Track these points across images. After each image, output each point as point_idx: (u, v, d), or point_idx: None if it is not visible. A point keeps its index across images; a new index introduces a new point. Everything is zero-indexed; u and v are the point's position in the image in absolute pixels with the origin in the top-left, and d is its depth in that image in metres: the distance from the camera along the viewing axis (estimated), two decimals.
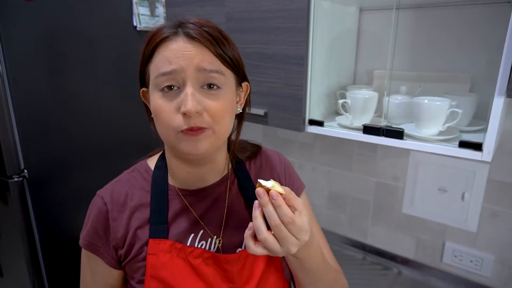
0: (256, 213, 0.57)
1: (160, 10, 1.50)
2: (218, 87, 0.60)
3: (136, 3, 1.41)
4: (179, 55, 0.58)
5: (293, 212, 0.55)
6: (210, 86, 0.59)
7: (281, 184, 0.77)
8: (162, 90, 0.59)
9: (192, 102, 0.56)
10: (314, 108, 1.11)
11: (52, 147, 1.24)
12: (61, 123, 1.25)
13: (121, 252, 0.67)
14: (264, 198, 0.55)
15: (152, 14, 1.48)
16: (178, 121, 0.58)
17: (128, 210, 0.68)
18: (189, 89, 0.57)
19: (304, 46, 1.01)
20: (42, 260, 1.25)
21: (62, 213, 1.28)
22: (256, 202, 0.57)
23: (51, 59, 1.20)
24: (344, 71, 1.27)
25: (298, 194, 0.80)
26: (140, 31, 1.44)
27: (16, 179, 1.16)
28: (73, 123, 1.29)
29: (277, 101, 1.11)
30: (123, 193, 0.69)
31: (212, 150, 0.64)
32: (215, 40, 0.59)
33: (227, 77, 0.62)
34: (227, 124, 0.63)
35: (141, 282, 0.66)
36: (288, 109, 1.09)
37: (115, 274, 0.71)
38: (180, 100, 0.58)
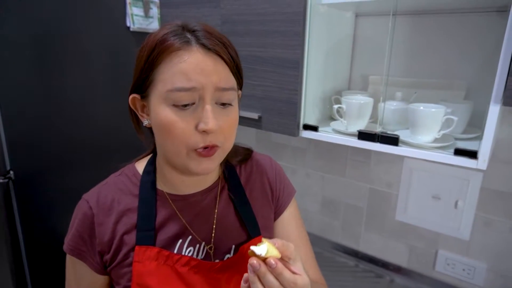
0: (254, 279, 0.52)
1: (154, 11, 1.48)
2: (231, 105, 0.60)
3: (129, 3, 1.39)
4: (198, 70, 0.55)
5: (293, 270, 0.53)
6: (224, 104, 0.59)
7: (271, 189, 0.77)
8: (176, 105, 0.56)
9: (214, 120, 0.56)
10: (309, 113, 1.10)
11: (39, 148, 1.21)
12: (49, 124, 1.22)
13: (107, 257, 0.65)
14: (261, 269, 0.51)
15: (146, 15, 1.46)
16: (195, 139, 0.57)
17: (115, 214, 0.66)
18: (208, 106, 0.56)
19: (300, 50, 1.00)
20: (26, 264, 1.21)
21: (48, 216, 1.25)
22: (251, 264, 0.51)
23: (41, 58, 1.18)
24: (339, 76, 1.26)
25: (290, 198, 0.80)
26: (133, 32, 1.42)
27: (1, 181, 1.12)
28: (61, 124, 1.26)
29: (272, 105, 1.10)
30: (110, 197, 0.67)
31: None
32: (227, 49, 0.58)
33: (236, 91, 0.61)
34: (234, 139, 0.64)
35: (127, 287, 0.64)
36: (283, 113, 1.08)
37: (100, 280, 0.69)
38: (198, 117, 0.56)
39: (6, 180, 1.13)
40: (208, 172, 0.61)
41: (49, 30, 1.18)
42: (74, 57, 1.26)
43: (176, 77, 0.55)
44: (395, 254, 1.34)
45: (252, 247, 0.51)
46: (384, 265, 1.36)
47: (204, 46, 0.56)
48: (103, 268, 0.67)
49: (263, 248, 0.51)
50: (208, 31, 0.58)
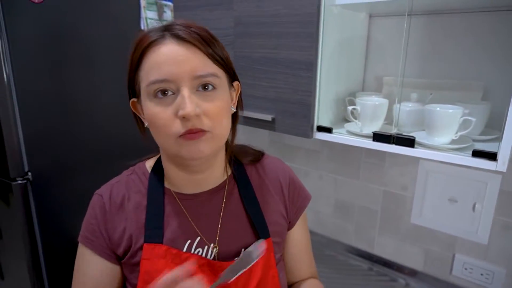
0: None
1: (168, 14, 1.50)
2: (214, 88, 0.59)
3: (144, 7, 1.40)
4: (170, 61, 0.56)
5: None
6: (205, 87, 0.58)
7: (283, 195, 0.75)
8: (155, 96, 0.57)
9: (191, 104, 0.55)
10: (322, 115, 1.09)
11: (57, 150, 1.23)
12: (66, 126, 1.25)
13: (118, 252, 0.66)
14: None
15: (160, 18, 1.48)
16: (177, 126, 0.57)
17: (125, 212, 0.67)
18: (185, 92, 0.56)
19: (314, 51, 1.00)
20: (43, 263, 1.24)
21: (65, 217, 1.27)
22: None
23: (58, 62, 1.20)
24: (353, 78, 1.25)
25: (304, 207, 0.79)
26: None
27: (19, 182, 1.15)
28: (78, 126, 1.28)
29: (285, 107, 1.10)
30: (121, 195, 0.68)
31: (213, 153, 0.63)
32: (204, 40, 0.58)
33: (221, 78, 0.61)
34: (226, 125, 0.63)
35: (135, 285, 0.65)
36: (296, 115, 1.07)
37: (109, 267, 0.67)
38: (177, 105, 0.56)
39: (24, 181, 1.15)
40: (201, 155, 0.59)
41: (65, 33, 1.20)
42: (89, 59, 1.28)
43: (151, 71, 0.57)
44: (410, 258, 1.32)
45: None
46: (399, 268, 1.34)
47: (177, 36, 0.57)
48: (115, 257, 0.67)
49: None
50: (186, 25, 0.58)
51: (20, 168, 1.15)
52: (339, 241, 1.49)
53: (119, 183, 0.70)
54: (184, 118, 0.56)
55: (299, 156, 1.54)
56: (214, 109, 0.59)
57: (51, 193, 1.23)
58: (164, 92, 0.57)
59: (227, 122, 0.63)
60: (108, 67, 1.34)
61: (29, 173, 1.16)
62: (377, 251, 1.40)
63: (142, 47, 0.58)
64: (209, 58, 0.59)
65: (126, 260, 0.66)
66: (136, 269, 0.65)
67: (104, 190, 0.70)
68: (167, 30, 0.58)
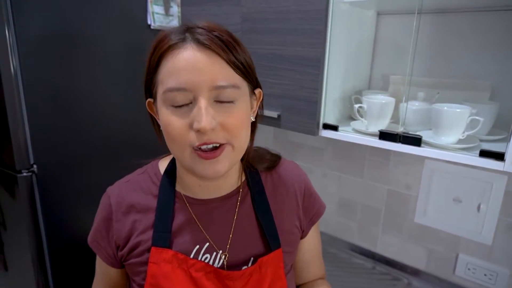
0: None
1: (175, 9, 1.49)
2: (232, 102, 0.56)
3: (150, 2, 1.40)
4: (190, 69, 0.53)
5: None
6: (223, 100, 0.56)
7: (298, 203, 0.73)
8: (171, 104, 0.55)
9: (206, 118, 0.52)
10: (328, 112, 1.09)
11: (62, 143, 1.23)
12: (72, 120, 1.25)
13: (122, 252, 0.67)
14: None
15: (167, 13, 1.47)
16: (191, 138, 0.54)
17: (134, 213, 0.66)
18: (202, 104, 0.53)
19: (321, 48, 1.00)
20: (47, 255, 1.24)
21: (70, 209, 1.28)
22: None
23: (65, 56, 1.20)
24: (360, 75, 1.25)
25: (318, 217, 0.77)
26: (154, 30, 1.43)
27: (25, 174, 1.15)
28: (84, 120, 1.28)
29: (291, 104, 1.09)
30: (130, 195, 0.67)
31: (231, 167, 0.60)
32: (227, 46, 0.55)
33: (241, 89, 0.57)
34: (245, 137, 0.60)
35: (141, 286, 0.65)
36: (303, 112, 1.07)
37: (115, 272, 0.72)
38: (193, 116, 0.54)
39: (29, 174, 1.16)
40: (218, 175, 0.57)
41: (72, 27, 1.20)
42: (96, 54, 1.28)
43: (169, 77, 0.54)
44: (413, 257, 1.32)
45: None
46: (402, 267, 1.34)
47: (198, 41, 0.54)
48: (117, 262, 0.69)
49: None
50: (209, 28, 0.55)
51: (25, 160, 1.15)
52: (342, 239, 1.49)
53: (129, 183, 0.69)
54: (199, 131, 0.53)
55: (303, 153, 1.54)
56: (232, 122, 0.56)
57: (56, 186, 1.23)
58: (180, 100, 0.54)
59: (246, 134, 0.60)
60: (116, 62, 1.34)
61: (34, 166, 1.16)
62: (380, 249, 1.40)
63: (162, 49, 0.55)
64: (230, 66, 0.55)
65: (131, 260, 0.66)
66: (140, 269, 0.65)
67: (113, 189, 0.69)
68: (189, 32, 0.55)
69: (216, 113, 0.54)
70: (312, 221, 0.76)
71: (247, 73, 0.59)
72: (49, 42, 1.15)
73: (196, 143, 0.54)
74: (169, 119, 0.55)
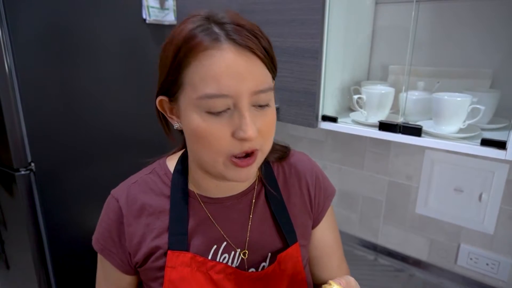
0: None
1: (170, 2, 1.47)
2: (268, 105, 0.55)
3: None
4: (231, 74, 0.50)
5: None
6: (261, 105, 0.54)
7: (310, 197, 0.72)
8: (209, 111, 0.51)
9: (252, 127, 0.51)
10: (327, 104, 1.08)
11: (60, 141, 1.23)
12: (69, 117, 1.24)
13: (137, 259, 0.64)
14: None
15: (162, 6, 1.45)
16: (232, 146, 0.52)
17: (145, 216, 0.63)
18: (246, 112, 0.51)
19: (319, 39, 0.98)
20: (48, 253, 1.24)
21: (69, 207, 1.27)
22: None
23: (59, 52, 1.18)
24: (358, 66, 1.24)
25: (329, 201, 0.75)
26: (149, 24, 1.42)
27: (23, 172, 1.15)
28: (81, 117, 1.27)
29: (290, 96, 1.08)
30: (140, 197, 0.64)
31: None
32: (262, 45, 0.52)
33: (272, 87, 0.56)
34: (272, 139, 0.59)
35: None
36: (301, 104, 1.06)
37: (128, 279, 0.68)
38: (234, 124, 0.51)
39: (27, 172, 1.15)
40: (248, 179, 0.58)
41: (66, 23, 1.19)
42: (91, 49, 1.27)
43: (206, 83, 0.50)
44: (415, 248, 1.32)
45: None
46: (404, 259, 1.34)
47: (235, 41, 0.50)
48: (132, 269, 0.66)
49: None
50: (239, 23, 0.52)
51: (23, 159, 1.14)
52: (343, 232, 1.49)
53: (137, 184, 0.66)
54: (243, 140, 0.52)
55: (303, 146, 1.53)
56: (268, 126, 0.55)
57: (55, 184, 1.23)
58: (220, 107, 0.51)
59: (274, 134, 0.59)
60: (111, 58, 1.33)
61: (32, 164, 1.16)
62: (382, 241, 1.39)
63: (191, 49, 0.51)
64: (267, 68, 0.54)
65: (146, 266, 0.63)
66: (157, 274, 0.62)
67: (120, 192, 0.65)
68: (218, 28, 0.51)
69: (255, 119, 0.53)
70: (323, 208, 0.74)
71: (274, 67, 0.57)
72: (43, 39, 1.14)
73: (236, 151, 0.53)
74: (205, 126, 0.52)
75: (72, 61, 1.22)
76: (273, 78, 0.59)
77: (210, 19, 0.52)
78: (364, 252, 1.40)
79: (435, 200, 1.23)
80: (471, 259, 1.19)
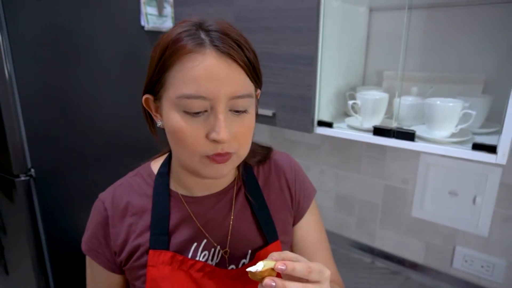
0: None
1: (168, 10, 1.49)
2: (246, 111, 0.57)
3: (144, 2, 1.40)
4: (210, 78, 0.52)
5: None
6: (238, 110, 0.56)
7: (290, 193, 0.74)
8: (186, 111, 0.54)
9: (225, 130, 0.53)
10: (323, 109, 1.09)
11: (59, 146, 1.24)
12: (68, 123, 1.25)
13: (121, 258, 0.66)
14: (278, 282, 0.49)
15: (160, 14, 1.47)
16: (206, 147, 0.55)
17: (129, 216, 0.66)
18: (221, 115, 0.53)
19: (314, 46, 1.00)
20: (47, 259, 1.25)
21: (68, 213, 1.28)
22: (266, 285, 0.50)
23: (59, 58, 1.20)
24: (353, 72, 1.25)
25: (310, 201, 0.77)
26: (147, 31, 1.43)
27: (23, 178, 1.16)
28: (80, 123, 1.28)
29: (286, 102, 1.10)
30: (125, 198, 0.67)
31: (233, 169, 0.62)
32: (243, 51, 0.54)
33: (253, 96, 0.58)
34: (250, 144, 0.61)
35: None
36: (297, 110, 1.08)
37: (116, 278, 0.70)
38: (210, 126, 0.54)
39: (27, 178, 1.16)
40: (220, 177, 0.59)
41: (66, 29, 1.21)
42: (91, 56, 1.28)
43: (186, 84, 0.52)
44: (411, 251, 1.33)
45: (248, 269, 0.51)
46: (400, 261, 1.35)
47: (217, 48, 0.52)
48: (118, 268, 0.68)
49: (258, 264, 0.51)
50: (225, 32, 0.54)
51: (23, 164, 1.15)
52: (340, 235, 1.50)
53: (122, 186, 0.69)
54: (215, 141, 0.54)
55: (299, 151, 1.55)
56: (244, 132, 0.57)
57: (54, 190, 1.24)
58: (197, 108, 0.53)
59: (251, 141, 0.61)
60: (110, 63, 1.35)
61: (32, 170, 1.17)
62: (378, 244, 1.41)
63: (177, 51, 0.53)
64: (247, 75, 0.55)
65: (130, 265, 0.65)
66: (140, 273, 0.64)
67: (106, 194, 0.68)
68: (204, 34, 0.54)
69: (231, 123, 0.55)
70: (303, 208, 0.76)
71: (258, 77, 0.59)
72: (43, 45, 1.15)
73: (210, 152, 0.55)
74: (182, 125, 0.54)
75: (72, 67, 1.24)
76: (258, 87, 0.61)
77: (198, 26, 0.55)
78: (361, 255, 1.41)
79: (431, 204, 1.24)
80: (466, 261, 1.20)
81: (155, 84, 0.57)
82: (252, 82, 0.57)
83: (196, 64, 0.52)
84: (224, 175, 0.59)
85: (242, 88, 0.55)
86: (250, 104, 0.57)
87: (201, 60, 0.52)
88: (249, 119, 0.58)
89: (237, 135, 0.56)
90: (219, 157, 0.56)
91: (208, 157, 0.56)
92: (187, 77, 0.52)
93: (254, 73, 0.57)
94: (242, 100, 0.55)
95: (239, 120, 0.56)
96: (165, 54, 0.54)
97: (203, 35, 0.53)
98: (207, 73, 0.52)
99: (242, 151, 0.59)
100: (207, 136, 0.54)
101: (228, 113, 0.55)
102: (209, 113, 0.54)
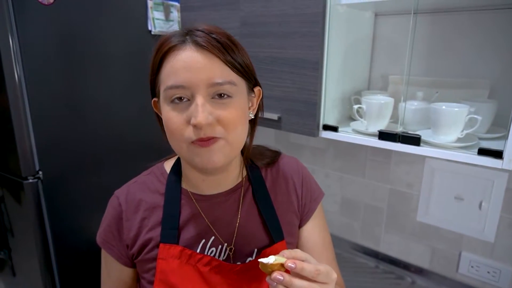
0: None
1: (175, 14, 1.51)
2: (229, 96, 0.59)
3: (151, 7, 1.42)
4: (188, 68, 0.56)
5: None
6: (221, 95, 0.58)
7: (297, 196, 0.76)
8: (172, 101, 0.58)
9: (203, 113, 0.55)
10: (328, 113, 1.10)
11: (67, 149, 1.25)
12: (76, 126, 1.27)
13: (133, 250, 0.69)
14: (285, 277, 0.52)
15: (167, 18, 1.49)
16: (189, 132, 0.57)
17: (142, 211, 0.69)
18: (199, 100, 0.56)
19: (319, 50, 1.01)
20: (54, 260, 1.26)
21: (76, 215, 1.29)
22: (274, 279, 0.52)
23: (67, 62, 1.22)
24: (359, 76, 1.26)
25: (316, 204, 0.79)
26: (154, 35, 1.45)
27: (31, 181, 1.17)
28: (88, 125, 1.30)
29: (291, 106, 1.10)
30: (138, 195, 0.70)
31: (228, 161, 0.63)
32: (224, 47, 0.58)
33: (238, 86, 0.60)
34: (241, 133, 0.62)
35: (151, 283, 0.67)
36: (302, 114, 1.08)
37: (128, 272, 0.73)
38: (190, 112, 0.57)
39: (35, 180, 1.18)
40: (214, 166, 0.59)
41: (74, 34, 1.22)
42: (99, 60, 1.30)
43: (170, 77, 0.58)
44: (416, 256, 1.32)
45: (260, 259, 0.53)
46: (405, 266, 1.34)
47: (196, 43, 0.57)
48: (130, 261, 0.71)
49: (270, 257, 0.53)
50: (208, 31, 0.58)
51: (31, 167, 1.17)
52: (345, 239, 1.50)
53: (136, 183, 0.72)
54: (196, 126, 0.56)
55: (305, 155, 1.55)
56: (228, 117, 0.58)
57: (62, 192, 1.25)
58: (180, 98, 0.58)
59: (242, 129, 0.62)
60: (118, 67, 1.36)
61: (40, 172, 1.18)
62: (383, 249, 1.40)
63: (163, 51, 0.59)
64: (227, 65, 0.58)
65: (141, 257, 0.68)
66: (150, 265, 0.67)
67: (121, 191, 0.72)
68: (189, 35, 0.58)
69: (213, 108, 0.57)
70: (309, 211, 0.77)
71: (244, 71, 0.62)
72: (52, 50, 1.17)
73: (193, 138, 0.57)
74: (169, 115, 0.59)
75: (80, 71, 1.26)
76: (249, 82, 0.64)
77: (188, 30, 0.60)
78: (366, 259, 1.41)
79: (436, 208, 1.24)
80: (472, 267, 1.20)
81: (154, 86, 0.63)
82: (239, 74, 0.60)
83: (177, 58, 0.57)
84: (216, 163, 0.59)
85: (220, 75, 0.57)
86: (234, 92, 0.59)
87: (181, 54, 0.57)
88: (235, 105, 0.60)
89: (221, 120, 0.58)
90: (202, 142, 0.57)
91: (193, 143, 0.58)
92: (170, 71, 0.58)
93: (240, 66, 0.60)
94: (222, 87, 0.58)
95: (222, 105, 0.58)
96: (156, 56, 0.60)
97: (187, 36, 0.59)
98: (185, 64, 0.57)
99: (231, 137, 0.60)
100: (188, 121, 0.57)
101: (211, 100, 0.58)
102: (191, 101, 0.58)
